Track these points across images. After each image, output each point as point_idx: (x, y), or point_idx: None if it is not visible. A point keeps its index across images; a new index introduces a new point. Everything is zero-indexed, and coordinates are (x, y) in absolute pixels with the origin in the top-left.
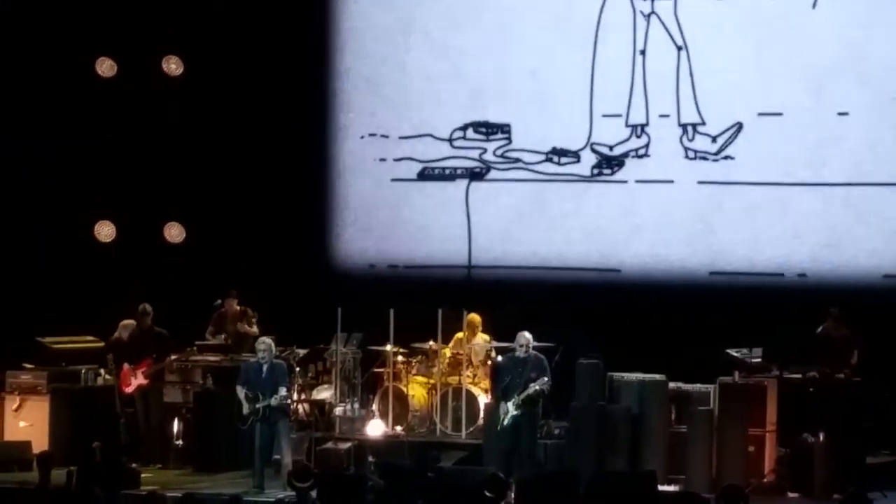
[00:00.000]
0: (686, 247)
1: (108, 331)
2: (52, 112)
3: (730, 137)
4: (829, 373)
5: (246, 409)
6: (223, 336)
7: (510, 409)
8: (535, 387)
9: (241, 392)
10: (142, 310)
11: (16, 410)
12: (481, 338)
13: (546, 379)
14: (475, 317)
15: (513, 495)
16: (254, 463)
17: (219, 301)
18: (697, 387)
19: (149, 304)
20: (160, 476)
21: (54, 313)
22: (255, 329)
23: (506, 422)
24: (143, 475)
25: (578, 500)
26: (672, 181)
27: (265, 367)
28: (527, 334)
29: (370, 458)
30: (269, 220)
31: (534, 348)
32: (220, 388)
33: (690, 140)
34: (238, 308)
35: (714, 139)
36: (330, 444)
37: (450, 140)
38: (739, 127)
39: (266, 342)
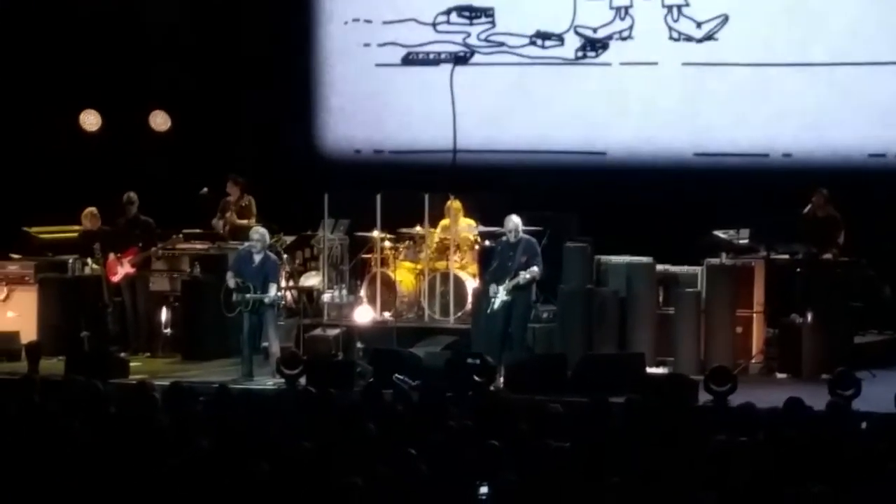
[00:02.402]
0: (671, 128)
1: None
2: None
3: (715, 26)
4: (815, 253)
5: (234, 296)
6: (223, 224)
7: (500, 293)
8: (525, 275)
9: (230, 279)
10: (127, 198)
11: (3, 301)
12: (464, 223)
13: (536, 269)
14: (456, 203)
15: (501, 379)
16: (242, 350)
17: (204, 189)
18: (685, 269)
19: (134, 193)
20: (149, 365)
21: (41, 203)
22: (240, 221)
23: (495, 306)
24: (131, 364)
25: (567, 384)
26: (656, 63)
27: (256, 258)
28: (515, 218)
29: (358, 345)
30: (255, 108)
31: (522, 232)
32: (208, 276)
33: (675, 20)
34: (229, 198)
35: (699, 25)
36: (318, 331)
37: (433, 24)
38: (725, 18)
39: (260, 231)
